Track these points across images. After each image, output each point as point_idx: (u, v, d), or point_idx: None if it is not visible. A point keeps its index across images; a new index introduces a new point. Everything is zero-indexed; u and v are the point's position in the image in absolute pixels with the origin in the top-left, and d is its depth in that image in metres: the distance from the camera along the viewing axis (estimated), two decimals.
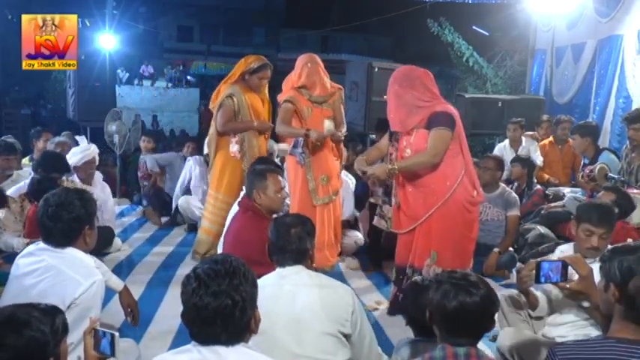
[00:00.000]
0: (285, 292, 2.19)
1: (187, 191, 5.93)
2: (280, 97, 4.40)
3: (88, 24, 13.47)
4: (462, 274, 1.89)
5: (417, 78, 3.37)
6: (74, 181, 4.70)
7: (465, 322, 1.78)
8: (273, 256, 2.33)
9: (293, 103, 4.30)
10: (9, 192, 4.27)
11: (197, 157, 6.04)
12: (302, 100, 4.31)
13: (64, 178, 4.45)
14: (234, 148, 4.62)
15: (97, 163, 5.14)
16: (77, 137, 5.30)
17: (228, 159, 4.63)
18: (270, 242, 2.34)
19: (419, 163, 3.27)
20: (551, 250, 3.83)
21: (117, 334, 2.02)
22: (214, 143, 4.68)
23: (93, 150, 4.97)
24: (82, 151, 4.90)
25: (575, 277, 2.19)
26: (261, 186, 3.23)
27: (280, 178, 3.37)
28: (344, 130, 4.47)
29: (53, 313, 1.58)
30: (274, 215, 3.35)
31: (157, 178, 6.63)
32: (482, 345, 2.04)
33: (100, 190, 4.91)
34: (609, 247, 1.91)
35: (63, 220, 2.30)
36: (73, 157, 4.86)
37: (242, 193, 3.54)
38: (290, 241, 2.27)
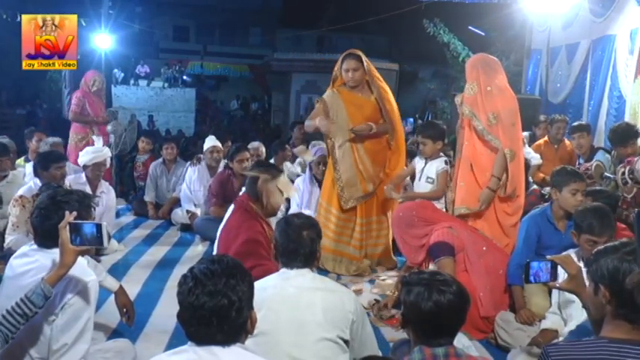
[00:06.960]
0: (288, 295, 2.16)
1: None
2: None
3: (83, 24, 13.34)
4: (429, 273, 1.89)
5: (413, 216, 3.63)
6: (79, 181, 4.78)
7: (441, 321, 1.78)
8: (280, 258, 2.28)
9: None
10: (21, 191, 4.15)
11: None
12: None
13: (67, 183, 4.47)
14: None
15: (107, 166, 5.23)
16: (94, 137, 5.37)
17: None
18: (277, 243, 2.29)
19: None
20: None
21: (104, 223, 1.94)
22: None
23: (105, 153, 5.09)
24: (93, 152, 5.01)
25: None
26: (274, 190, 3.28)
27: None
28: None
29: None
30: (271, 217, 3.37)
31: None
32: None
33: (106, 194, 4.93)
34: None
35: (43, 226, 2.28)
36: (85, 155, 4.96)
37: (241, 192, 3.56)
38: (302, 244, 2.23)
